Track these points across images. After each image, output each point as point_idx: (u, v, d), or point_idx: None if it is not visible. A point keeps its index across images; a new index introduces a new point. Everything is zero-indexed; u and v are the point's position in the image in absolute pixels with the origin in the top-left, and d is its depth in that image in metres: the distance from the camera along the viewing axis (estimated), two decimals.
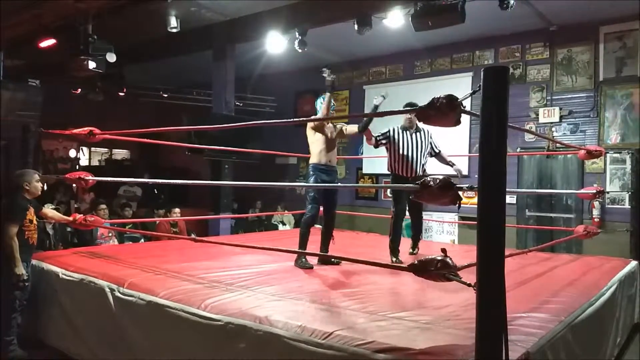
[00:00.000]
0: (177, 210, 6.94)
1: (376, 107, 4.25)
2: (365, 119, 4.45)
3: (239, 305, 2.70)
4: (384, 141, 4.55)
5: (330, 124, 4.30)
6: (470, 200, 5.62)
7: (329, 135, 4.28)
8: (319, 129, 4.24)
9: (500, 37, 7.85)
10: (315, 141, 4.28)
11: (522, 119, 7.51)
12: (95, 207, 6.42)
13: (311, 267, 3.97)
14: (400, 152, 4.46)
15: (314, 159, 4.28)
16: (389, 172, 4.64)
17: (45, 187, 4.25)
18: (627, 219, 5.45)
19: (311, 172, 4.27)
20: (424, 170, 4.55)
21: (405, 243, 4.58)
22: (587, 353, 2.84)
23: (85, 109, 9.71)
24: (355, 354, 2.10)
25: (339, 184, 9.05)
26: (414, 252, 4.86)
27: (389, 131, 4.53)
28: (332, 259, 4.13)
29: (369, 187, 8.36)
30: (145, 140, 7.01)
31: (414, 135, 4.52)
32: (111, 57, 6.24)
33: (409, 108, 3.97)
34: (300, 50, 6.79)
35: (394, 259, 4.33)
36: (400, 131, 4.53)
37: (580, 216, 7.09)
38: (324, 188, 4.26)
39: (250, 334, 2.44)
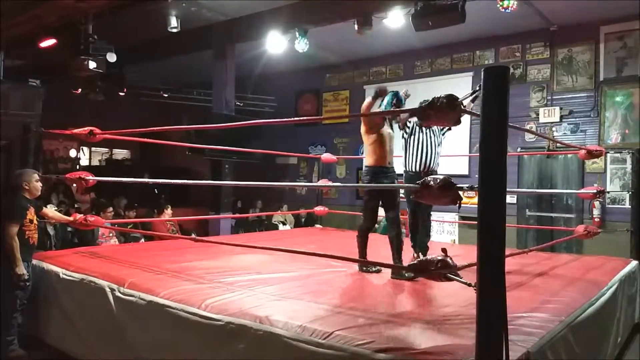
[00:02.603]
0: (168, 206, 6.85)
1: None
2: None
3: (239, 305, 2.70)
4: (408, 130, 4.26)
5: (386, 126, 4.11)
6: (470, 200, 5.61)
7: (387, 135, 4.07)
8: (374, 126, 4.02)
9: (501, 37, 7.86)
10: (374, 142, 4.00)
11: (523, 118, 7.51)
12: (98, 207, 6.40)
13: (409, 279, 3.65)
14: (415, 147, 4.21)
15: (370, 160, 4.03)
16: (404, 169, 4.36)
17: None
18: (627, 219, 5.43)
19: (370, 177, 4.04)
20: (438, 164, 4.31)
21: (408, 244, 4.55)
22: (587, 353, 2.84)
23: (85, 109, 9.71)
24: (355, 354, 2.10)
25: (339, 183, 9.07)
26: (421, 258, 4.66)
27: (413, 123, 4.26)
28: (366, 267, 3.93)
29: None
30: (146, 140, 7.01)
31: (428, 129, 4.23)
32: (111, 57, 6.24)
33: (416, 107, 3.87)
34: (300, 51, 6.79)
35: (415, 255, 4.21)
36: (416, 127, 4.26)
37: (580, 216, 7.09)
38: (378, 190, 4.07)
39: (251, 334, 2.44)
